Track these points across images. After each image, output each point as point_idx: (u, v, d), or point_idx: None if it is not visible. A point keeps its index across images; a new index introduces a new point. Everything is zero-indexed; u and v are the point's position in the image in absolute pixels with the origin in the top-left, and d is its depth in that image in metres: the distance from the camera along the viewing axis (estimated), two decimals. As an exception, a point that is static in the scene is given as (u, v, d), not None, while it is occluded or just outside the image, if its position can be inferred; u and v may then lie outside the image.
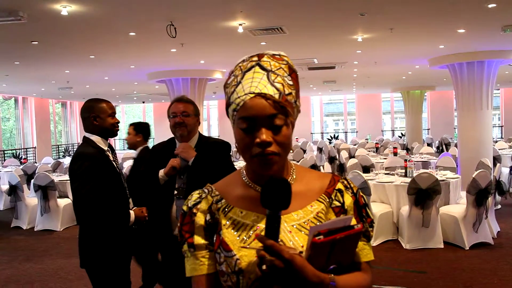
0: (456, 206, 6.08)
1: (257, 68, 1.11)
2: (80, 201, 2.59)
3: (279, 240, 0.99)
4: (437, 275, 4.84)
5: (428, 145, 14.53)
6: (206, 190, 1.22)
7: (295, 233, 1.11)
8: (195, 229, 1.17)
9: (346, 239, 0.97)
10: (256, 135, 1.07)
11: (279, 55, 1.14)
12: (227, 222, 1.15)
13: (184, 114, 2.85)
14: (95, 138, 2.81)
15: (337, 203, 1.19)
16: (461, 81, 9.32)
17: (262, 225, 1.10)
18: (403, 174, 6.66)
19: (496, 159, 9.34)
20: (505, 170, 9.28)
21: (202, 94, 11.08)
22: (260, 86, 1.08)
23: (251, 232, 1.12)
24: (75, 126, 22.31)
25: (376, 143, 13.95)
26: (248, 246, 1.09)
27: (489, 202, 5.83)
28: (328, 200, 1.18)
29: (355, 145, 14.89)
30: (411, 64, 11.46)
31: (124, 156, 13.37)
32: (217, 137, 3.33)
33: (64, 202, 7.65)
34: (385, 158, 9.57)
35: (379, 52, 9.23)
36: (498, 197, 7.49)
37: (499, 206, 7.94)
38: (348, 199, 1.19)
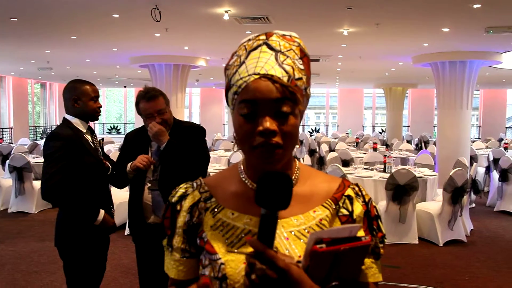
0: (432, 203, 6.16)
1: (264, 48, 0.97)
2: (46, 182, 2.53)
3: (273, 246, 0.84)
4: (410, 271, 4.91)
5: (408, 142, 14.72)
6: (194, 184, 1.08)
7: (292, 240, 0.97)
8: (176, 229, 1.05)
9: (352, 252, 0.84)
10: (258, 122, 0.92)
11: (290, 35, 1.00)
12: (215, 223, 1.02)
13: (161, 113, 2.77)
14: (74, 120, 2.74)
15: (345, 212, 1.04)
16: (443, 79, 9.42)
17: (255, 229, 0.97)
18: (382, 169, 6.72)
19: (473, 159, 9.49)
20: (481, 170, 9.44)
21: (185, 81, 10.98)
22: (266, 67, 0.93)
23: (242, 235, 0.99)
24: (54, 107, 21.94)
25: (356, 137, 14.06)
26: (236, 251, 0.96)
27: (464, 200, 5.92)
28: (334, 207, 1.04)
29: (335, 139, 14.97)
30: (395, 61, 11.53)
31: (105, 140, 13.22)
32: (192, 122, 3.26)
33: (40, 185, 7.50)
34: (365, 153, 9.65)
35: (364, 46, 9.26)
36: (473, 196, 7.61)
37: (473, 205, 8.08)
38: (358, 208, 1.05)
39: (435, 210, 5.84)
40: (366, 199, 1.07)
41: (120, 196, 6.21)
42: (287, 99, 0.93)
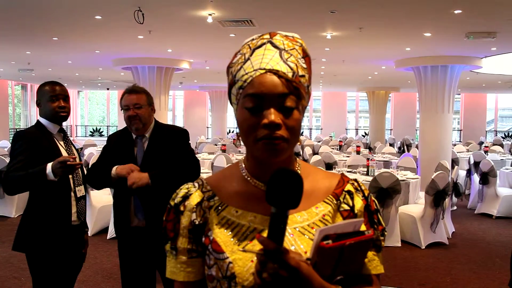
0: (415, 206, 6.22)
1: (268, 46, 1.00)
2: (4, 176, 2.48)
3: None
4: (393, 273, 4.94)
5: (390, 145, 14.82)
6: (196, 184, 1.08)
7: (297, 236, 0.99)
8: (180, 230, 1.04)
9: (356, 246, 0.87)
10: (263, 115, 0.94)
11: (292, 36, 1.04)
12: (220, 221, 1.02)
13: (136, 107, 2.79)
14: (45, 122, 2.72)
15: (346, 207, 1.06)
16: (425, 83, 9.52)
17: (260, 227, 1.00)
18: (365, 172, 6.76)
19: (454, 162, 9.62)
20: (462, 173, 9.57)
21: (168, 83, 10.92)
22: (271, 63, 0.97)
23: (248, 233, 0.99)
24: (35, 109, 21.58)
25: (340, 141, 14.14)
26: (246, 250, 0.96)
27: (446, 203, 5.99)
28: (335, 202, 1.06)
29: (319, 142, 15.04)
30: (378, 65, 11.63)
31: (86, 143, 13.07)
32: (174, 125, 3.29)
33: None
34: (348, 156, 9.70)
35: (347, 50, 9.32)
36: (454, 199, 7.71)
37: (455, 208, 8.18)
38: (359, 203, 1.07)
39: (418, 213, 5.90)
40: (366, 194, 1.09)
41: (102, 200, 6.15)
42: (292, 94, 0.96)
